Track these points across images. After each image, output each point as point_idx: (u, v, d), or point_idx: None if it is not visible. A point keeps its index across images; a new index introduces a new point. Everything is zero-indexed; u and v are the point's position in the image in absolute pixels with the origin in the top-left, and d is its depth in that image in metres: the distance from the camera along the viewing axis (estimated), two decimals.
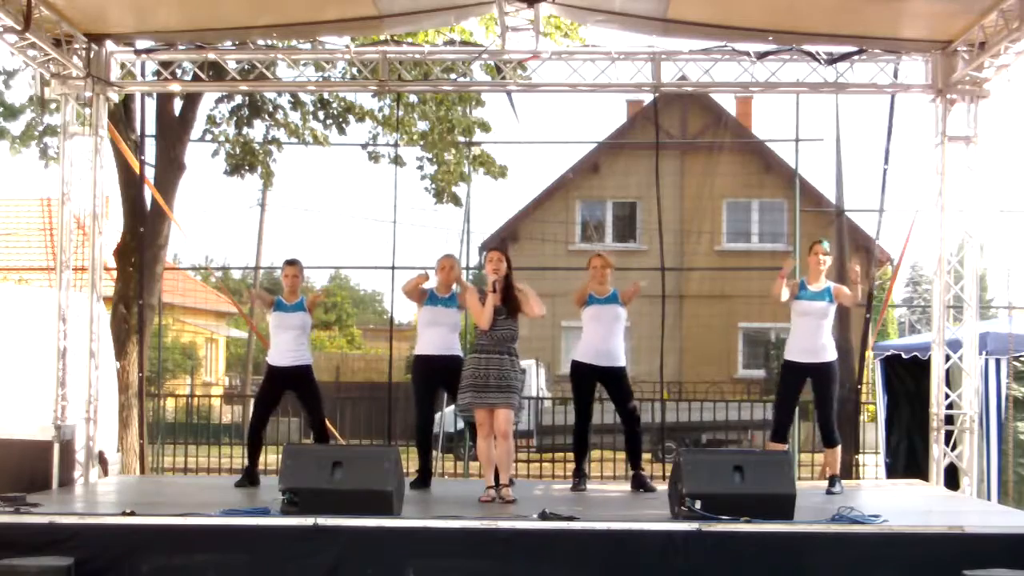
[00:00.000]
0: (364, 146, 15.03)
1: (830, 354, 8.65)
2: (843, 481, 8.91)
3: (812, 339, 8.60)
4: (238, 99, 14.12)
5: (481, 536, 6.35)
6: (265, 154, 14.74)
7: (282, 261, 9.38)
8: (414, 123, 14.73)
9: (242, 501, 7.32)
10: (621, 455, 15.79)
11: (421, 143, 14.78)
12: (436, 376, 8.83)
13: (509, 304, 8.06)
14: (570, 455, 15.73)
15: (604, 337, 8.81)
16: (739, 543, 6.26)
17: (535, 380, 21.07)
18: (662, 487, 8.07)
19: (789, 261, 9.14)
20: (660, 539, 6.31)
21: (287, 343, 8.97)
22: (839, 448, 8.93)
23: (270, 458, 15.02)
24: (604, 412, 17.01)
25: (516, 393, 8.03)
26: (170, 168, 13.32)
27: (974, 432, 9.27)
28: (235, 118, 14.29)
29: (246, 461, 9.20)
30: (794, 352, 8.70)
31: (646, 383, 17.81)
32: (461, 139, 14.83)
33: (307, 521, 6.29)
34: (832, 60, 9.58)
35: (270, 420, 9.36)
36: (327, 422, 9.22)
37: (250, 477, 8.90)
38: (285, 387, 9.04)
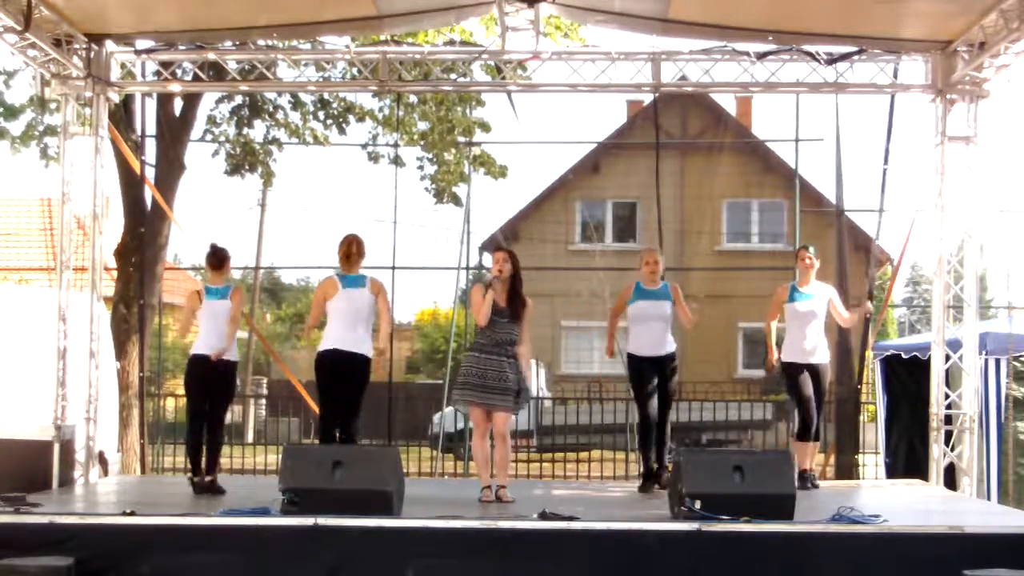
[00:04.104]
0: (364, 146, 15.07)
1: (820, 355, 8.99)
2: (843, 481, 8.95)
3: (805, 340, 8.94)
4: (238, 99, 14.13)
5: (481, 536, 6.34)
6: (265, 154, 14.76)
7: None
8: (414, 123, 14.74)
9: (242, 501, 7.31)
10: (621, 455, 15.86)
11: (421, 143, 14.80)
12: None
13: (513, 307, 7.99)
14: (570, 455, 15.89)
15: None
16: (739, 543, 6.26)
17: (535, 380, 21.08)
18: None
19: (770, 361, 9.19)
20: (660, 539, 6.30)
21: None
22: (817, 444, 9.21)
23: (270, 458, 15.10)
24: (604, 412, 17.12)
25: (512, 395, 7.96)
26: (170, 168, 13.31)
27: (974, 432, 9.28)
28: (235, 118, 14.31)
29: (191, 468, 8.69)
30: (789, 353, 9.02)
31: None
32: (461, 139, 14.85)
33: (307, 521, 6.28)
34: (832, 60, 9.59)
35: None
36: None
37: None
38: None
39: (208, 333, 8.49)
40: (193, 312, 8.62)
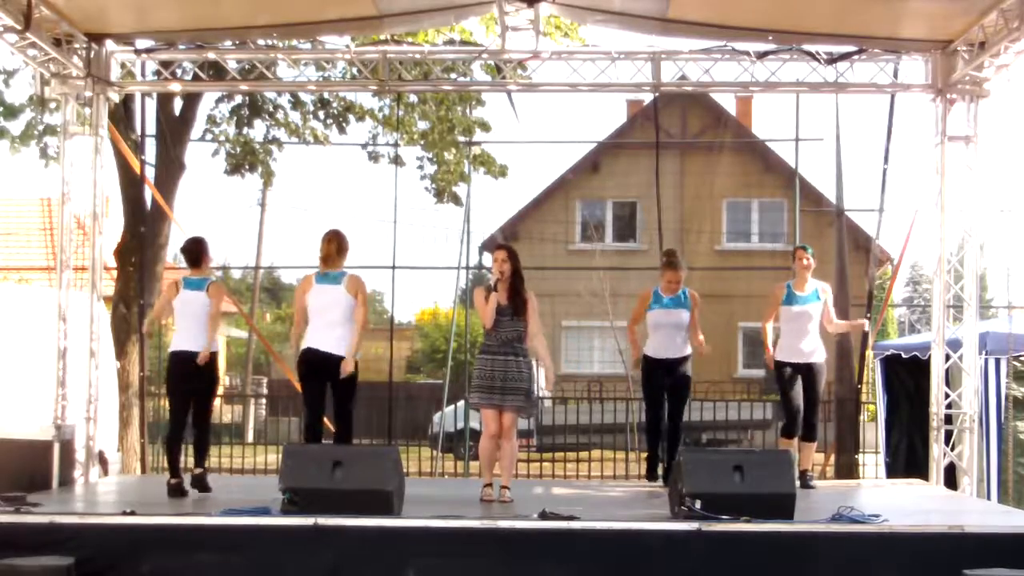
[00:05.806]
0: (364, 146, 15.08)
1: (818, 355, 9.05)
2: (843, 481, 8.96)
3: (801, 340, 8.99)
4: (238, 99, 14.12)
5: (481, 536, 6.35)
6: (265, 154, 14.76)
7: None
8: (414, 123, 14.74)
9: (242, 501, 7.31)
10: (621, 455, 15.87)
11: (421, 143, 14.80)
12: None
13: (515, 304, 7.99)
14: (570, 455, 15.89)
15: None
16: (739, 543, 6.26)
17: (537, 379, 21.03)
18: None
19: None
20: (660, 539, 6.31)
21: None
22: (815, 445, 9.30)
23: (270, 458, 15.09)
24: (604, 412, 17.11)
25: (524, 394, 7.97)
26: (170, 168, 13.32)
27: (974, 432, 9.28)
28: (235, 118, 14.31)
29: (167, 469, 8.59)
30: (784, 352, 9.06)
31: None
32: (461, 139, 14.86)
33: (307, 521, 6.28)
34: (832, 60, 9.59)
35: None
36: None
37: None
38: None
39: (184, 328, 8.33)
40: (168, 302, 8.43)
